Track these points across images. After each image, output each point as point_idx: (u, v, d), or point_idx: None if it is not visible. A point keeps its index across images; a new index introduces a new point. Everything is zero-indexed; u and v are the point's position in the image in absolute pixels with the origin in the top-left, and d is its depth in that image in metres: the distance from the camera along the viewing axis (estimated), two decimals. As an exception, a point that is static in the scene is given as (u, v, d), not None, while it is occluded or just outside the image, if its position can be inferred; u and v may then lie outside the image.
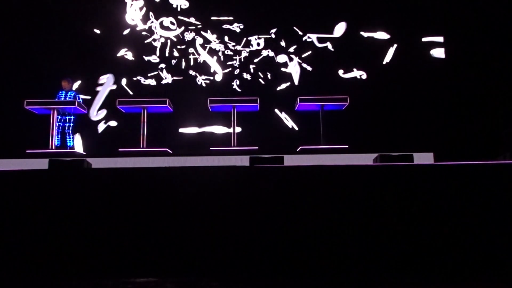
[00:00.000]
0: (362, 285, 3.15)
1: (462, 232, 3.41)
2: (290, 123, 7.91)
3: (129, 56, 8.24)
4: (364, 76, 8.03)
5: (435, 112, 7.70)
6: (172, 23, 8.38)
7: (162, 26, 8.35)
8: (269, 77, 8.10)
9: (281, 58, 8.19)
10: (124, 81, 8.16)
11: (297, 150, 6.19)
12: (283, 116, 7.95)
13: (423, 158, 6.08)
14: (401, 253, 3.39)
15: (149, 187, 3.56)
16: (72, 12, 8.15)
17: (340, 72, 8.06)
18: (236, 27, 8.30)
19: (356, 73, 8.06)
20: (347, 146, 6.09)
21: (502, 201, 3.44)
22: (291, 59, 8.18)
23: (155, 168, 3.66)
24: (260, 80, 8.10)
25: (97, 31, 8.21)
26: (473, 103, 7.63)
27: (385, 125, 7.65)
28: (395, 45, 8.05)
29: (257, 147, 5.99)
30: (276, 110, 7.95)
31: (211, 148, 6.20)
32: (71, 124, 7.12)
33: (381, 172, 3.58)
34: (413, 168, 3.61)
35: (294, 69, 8.16)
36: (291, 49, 8.20)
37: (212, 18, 8.34)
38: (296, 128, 7.87)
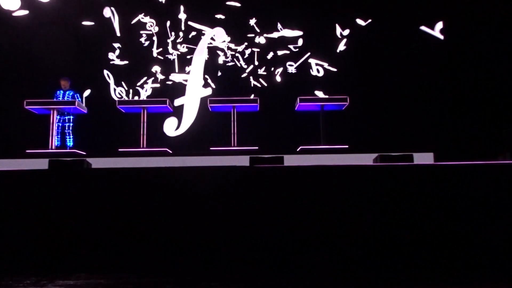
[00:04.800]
0: (362, 285, 3.15)
1: (462, 232, 3.41)
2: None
3: (120, 56, 8.14)
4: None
5: (435, 112, 7.70)
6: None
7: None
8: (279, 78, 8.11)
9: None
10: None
11: (297, 150, 6.18)
12: None
13: (423, 158, 6.07)
14: (401, 252, 3.39)
15: (149, 187, 3.56)
16: (68, 9, 8.11)
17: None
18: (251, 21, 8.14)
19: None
20: (347, 146, 6.09)
21: (502, 201, 3.44)
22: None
23: (155, 168, 3.67)
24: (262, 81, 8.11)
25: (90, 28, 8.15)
26: (473, 103, 7.63)
27: (385, 125, 7.65)
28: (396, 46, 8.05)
29: (257, 147, 5.99)
30: None
31: (211, 148, 6.20)
32: (71, 124, 7.12)
33: (381, 172, 3.58)
34: (413, 168, 3.61)
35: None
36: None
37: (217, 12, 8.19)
38: None
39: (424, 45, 7.98)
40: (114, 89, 8.02)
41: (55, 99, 7.00)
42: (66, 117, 7.07)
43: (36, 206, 3.48)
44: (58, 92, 7.18)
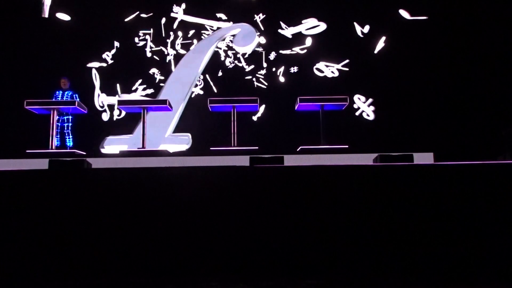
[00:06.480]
0: (362, 285, 3.15)
1: (462, 232, 3.41)
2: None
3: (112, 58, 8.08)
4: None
5: (435, 112, 7.70)
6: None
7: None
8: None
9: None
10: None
11: (297, 150, 6.18)
12: None
13: (423, 158, 6.07)
14: (401, 252, 3.39)
15: (149, 187, 3.56)
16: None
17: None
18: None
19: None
20: (347, 146, 6.08)
21: (502, 201, 3.44)
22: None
23: (155, 168, 3.66)
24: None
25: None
26: (473, 103, 7.63)
27: (385, 125, 7.65)
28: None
29: (257, 147, 5.98)
30: None
31: (211, 148, 6.19)
32: (70, 124, 7.12)
33: (381, 172, 3.58)
34: (413, 168, 3.61)
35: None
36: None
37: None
38: None
39: (423, 45, 7.98)
40: (98, 95, 7.94)
41: (54, 99, 7.01)
42: (65, 117, 7.07)
43: (36, 206, 3.48)
44: (57, 92, 7.18)
